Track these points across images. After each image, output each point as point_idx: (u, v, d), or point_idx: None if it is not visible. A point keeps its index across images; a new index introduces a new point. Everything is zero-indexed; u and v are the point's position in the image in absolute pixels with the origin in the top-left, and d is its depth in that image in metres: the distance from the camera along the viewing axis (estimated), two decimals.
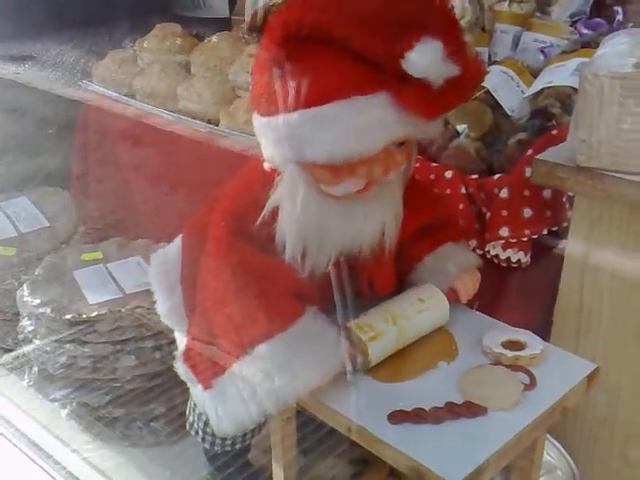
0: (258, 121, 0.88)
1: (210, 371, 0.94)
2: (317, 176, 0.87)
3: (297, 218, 0.88)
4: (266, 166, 0.91)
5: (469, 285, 1.02)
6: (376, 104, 0.80)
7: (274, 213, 0.90)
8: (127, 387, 1.37)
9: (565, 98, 1.18)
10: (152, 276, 1.05)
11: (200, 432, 1.14)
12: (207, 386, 0.95)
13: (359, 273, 0.98)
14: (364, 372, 0.93)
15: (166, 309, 1.04)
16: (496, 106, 1.22)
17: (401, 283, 1.02)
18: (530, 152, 1.10)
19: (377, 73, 0.79)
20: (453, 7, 0.81)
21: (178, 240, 1.05)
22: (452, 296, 1.00)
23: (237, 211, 0.94)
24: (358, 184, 0.87)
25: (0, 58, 2.96)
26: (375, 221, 0.90)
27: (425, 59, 0.76)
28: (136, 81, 1.83)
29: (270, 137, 0.86)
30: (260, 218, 0.90)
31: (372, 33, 0.78)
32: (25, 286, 1.44)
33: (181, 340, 1.05)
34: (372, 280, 0.99)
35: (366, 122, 0.80)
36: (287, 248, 0.89)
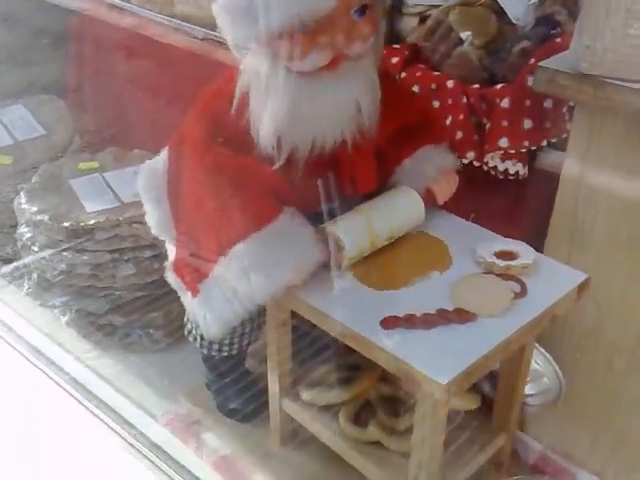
0: (215, 6, 0.87)
1: (196, 277, 0.96)
2: (280, 51, 0.85)
3: (266, 99, 0.87)
4: (236, 55, 0.90)
5: (445, 187, 1.03)
6: None
7: (246, 104, 0.89)
8: (126, 295, 1.40)
9: (572, 4, 1.14)
10: (140, 188, 1.05)
11: (198, 338, 1.17)
12: (195, 293, 0.97)
13: (341, 170, 0.97)
14: (358, 280, 0.95)
15: (155, 221, 1.04)
16: (501, 13, 1.18)
17: (380, 188, 1.02)
18: (533, 61, 1.08)
19: None
20: None
21: (165, 152, 1.04)
22: (428, 197, 1.02)
23: (212, 111, 0.94)
24: (324, 57, 0.85)
25: None
26: (348, 100, 0.89)
27: None
28: None
29: (227, 19, 0.86)
30: (233, 110, 0.89)
31: None
32: (22, 194, 1.44)
33: (171, 251, 1.06)
34: (354, 177, 0.99)
35: None
36: (261, 135, 0.89)
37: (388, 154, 1.01)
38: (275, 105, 0.87)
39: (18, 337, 1.45)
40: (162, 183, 1.03)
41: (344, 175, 0.97)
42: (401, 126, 1.00)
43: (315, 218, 0.95)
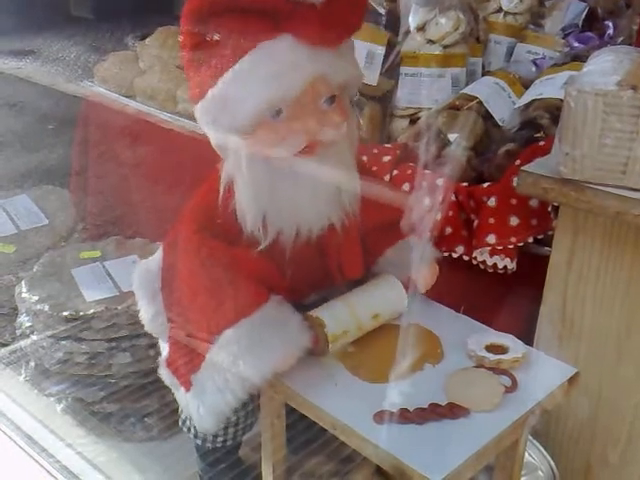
0: (196, 111, 0.93)
1: (189, 370, 0.98)
2: (258, 140, 0.90)
3: (248, 186, 0.92)
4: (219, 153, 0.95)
5: (427, 276, 1.06)
6: (280, 46, 0.86)
7: (232, 194, 0.94)
8: (122, 383, 1.40)
9: (554, 110, 1.21)
10: (135, 285, 1.09)
11: (192, 429, 1.17)
12: (188, 387, 0.99)
13: (328, 256, 1.01)
14: (351, 372, 0.97)
15: (149, 317, 1.07)
16: (487, 116, 1.26)
17: (364, 277, 1.06)
18: (517, 162, 1.13)
19: (274, 19, 0.86)
20: None
21: (160, 251, 1.08)
22: (410, 286, 1.04)
23: (202, 207, 0.98)
24: (299, 142, 0.90)
25: (1, 53, 2.98)
26: (327, 184, 0.94)
27: None
28: (137, 82, 1.86)
29: (207, 120, 0.91)
30: (220, 201, 0.94)
31: None
32: (23, 282, 1.47)
33: (164, 347, 1.09)
34: (341, 263, 1.02)
35: (277, 65, 0.86)
36: (247, 219, 0.93)
37: (370, 245, 1.06)
38: (257, 190, 0.92)
39: (11, 423, 1.44)
40: (157, 281, 1.06)
41: (331, 261, 1.01)
42: (382, 219, 1.05)
43: (303, 304, 0.98)
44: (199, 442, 1.18)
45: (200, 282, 0.96)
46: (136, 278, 1.08)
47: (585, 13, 1.48)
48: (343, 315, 0.98)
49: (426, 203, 0.97)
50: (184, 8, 0.90)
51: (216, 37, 0.87)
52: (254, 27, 0.86)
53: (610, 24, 1.41)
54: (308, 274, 1.01)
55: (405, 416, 0.89)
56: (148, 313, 1.07)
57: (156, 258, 1.08)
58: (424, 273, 1.06)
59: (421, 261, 1.05)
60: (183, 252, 0.99)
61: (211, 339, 0.94)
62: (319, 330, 0.96)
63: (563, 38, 1.45)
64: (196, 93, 0.91)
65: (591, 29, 1.46)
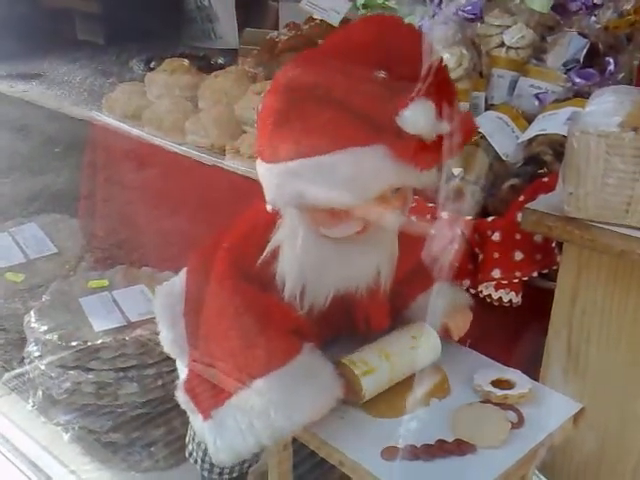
0: (261, 167, 0.94)
1: (210, 402, 0.98)
2: (316, 219, 0.93)
3: (297, 259, 0.94)
4: (268, 209, 0.96)
5: (460, 323, 1.07)
6: (372, 155, 0.86)
7: (275, 253, 0.96)
8: (129, 413, 1.41)
9: (557, 146, 1.23)
10: (157, 308, 1.10)
11: (199, 460, 1.18)
12: (206, 417, 0.99)
13: (356, 310, 1.03)
14: (359, 407, 0.98)
15: (169, 340, 1.08)
16: (491, 151, 1.27)
17: (395, 320, 1.07)
18: (522, 198, 1.15)
19: (374, 127, 0.85)
20: (447, 67, 0.87)
21: (182, 274, 1.10)
22: (444, 334, 1.05)
23: (240, 252, 1.00)
24: (355, 227, 0.92)
25: (8, 76, 3.01)
26: (371, 261, 0.96)
27: (418, 117, 0.82)
28: (145, 114, 1.89)
29: (272, 182, 0.92)
30: (262, 258, 0.96)
31: (370, 93, 0.85)
32: (32, 312, 1.48)
33: (182, 370, 1.09)
34: (368, 317, 1.04)
35: (361, 171, 0.86)
36: (287, 286, 0.95)
37: (403, 289, 1.06)
38: (303, 262, 0.94)
39: (16, 450, 1.45)
40: (178, 304, 1.08)
41: (358, 315, 1.03)
42: (415, 266, 1.06)
43: (330, 348, 0.99)
44: (205, 474, 1.19)
45: (232, 327, 0.97)
46: (157, 301, 1.10)
47: (586, 49, 1.51)
48: (380, 371, 0.98)
49: (446, 241, 0.98)
50: (290, 65, 0.90)
51: (310, 115, 0.86)
52: (353, 126, 0.85)
53: (611, 60, 1.43)
54: (335, 322, 1.02)
55: (413, 452, 0.89)
56: (169, 336, 1.08)
57: (177, 282, 1.09)
58: (458, 320, 1.07)
59: (454, 307, 1.06)
60: (215, 292, 1.00)
61: (240, 383, 0.94)
62: (354, 381, 0.96)
63: (565, 73, 1.48)
64: (267, 153, 0.91)
65: (592, 64, 1.48)
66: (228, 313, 0.97)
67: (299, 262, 0.94)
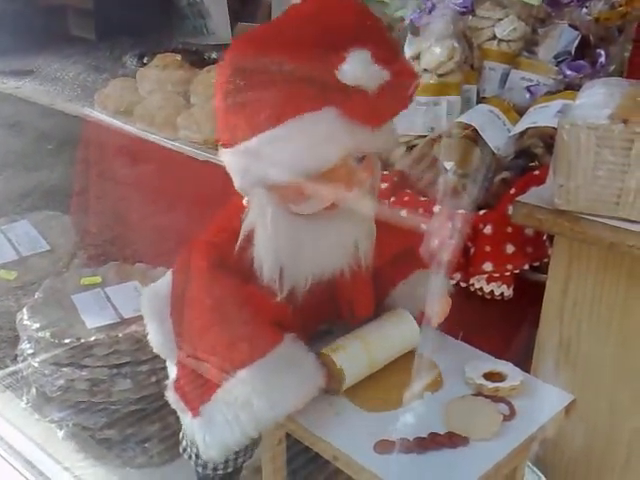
0: (224, 154, 0.94)
1: (198, 399, 0.99)
2: (284, 196, 0.92)
3: (270, 240, 0.94)
4: (244, 202, 0.97)
5: (438, 309, 1.07)
6: (324, 119, 0.86)
7: (249, 238, 0.96)
8: (123, 410, 1.41)
9: (548, 138, 1.23)
10: (144, 309, 1.10)
11: (193, 456, 1.18)
12: (195, 414, 0.99)
13: (340, 296, 1.03)
14: (353, 402, 0.98)
15: (158, 340, 1.08)
16: (483, 144, 1.28)
17: (378, 309, 1.07)
18: (513, 191, 1.15)
19: (322, 91, 0.86)
20: (380, 19, 0.90)
21: (168, 275, 1.10)
22: (423, 320, 1.05)
23: (217, 244, 1.00)
24: (325, 201, 0.92)
25: (0, 72, 2.99)
26: (347, 238, 0.96)
27: (356, 67, 0.83)
28: (137, 110, 1.88)
29: (237, 167, 0.93)
30: (237, 245, 0.95)
31: (309, 56, 0.86)
32: (25, 310, 1.48)
33: (172, 370, 1.10)
34: (352, 303, 1.04)
35: (318, 137, 0.87)
36: (264, 270, 0.95)
37: (384, 277, 1.07)
38: (278, 243, 0.93)
39: (9, 447, 1.45)
40: (165, 305, 1.07)
41: (342, 301, 1.03)
42: (395, 253, 1.06)
43: (314, 338, 0.99)
44: (199, 469, 1.19)
45: (212, 320, 0.97)
46: (145, 302, 1.10)
47: (577, 41, 1.51)
48: (358, 354, 0.99)
49: (436, 232, 0.99)
50: (230, 49, 0.92)
51: (258, 91, 0.87)
52: (300, 94, 0.86)
53: (602, 52, 1.43)
54: (318, 310, 1.02)
55: (406, 446, 0.90)
56: (157, 337, 1.08)
57: (164, 282, 1.09)
58: (436, 307, 1.07)
59: (434, 294, 1.06)
60: (195, 286, 1.00)
61: (224, 375, 0.95)
62: (334, 369, 0.97)
63: (556, 65, 1.48)
64: (226, 138, 0.93)
65: (583, 56, 1.48)
66: (209, 306, 0.97)
67: (273, 243, 0.94)
